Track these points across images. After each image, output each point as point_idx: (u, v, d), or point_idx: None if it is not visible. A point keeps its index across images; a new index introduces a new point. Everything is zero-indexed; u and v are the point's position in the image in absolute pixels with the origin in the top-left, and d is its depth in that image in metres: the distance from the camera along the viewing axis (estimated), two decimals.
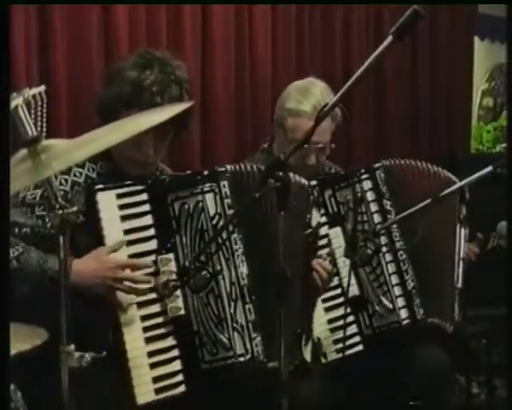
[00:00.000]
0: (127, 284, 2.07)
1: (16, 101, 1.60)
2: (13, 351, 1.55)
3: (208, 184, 2.14)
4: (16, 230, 2.15)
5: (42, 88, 1.65)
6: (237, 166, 2.22)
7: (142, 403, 2.05)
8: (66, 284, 1.68)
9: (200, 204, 2.12)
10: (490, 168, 2.50)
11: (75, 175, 2.23)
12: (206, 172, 2.16)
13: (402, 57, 4.19)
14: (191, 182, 2.15)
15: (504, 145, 4.65)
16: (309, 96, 2.71)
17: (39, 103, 1.63)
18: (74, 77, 2.88)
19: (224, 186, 2.15)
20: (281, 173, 1.71)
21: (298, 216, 2.25)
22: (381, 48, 1.69)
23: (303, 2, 3.71)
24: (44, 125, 1.63)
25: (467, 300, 2.74)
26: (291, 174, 2.11)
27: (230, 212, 2.13)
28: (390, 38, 1.68)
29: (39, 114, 1.62)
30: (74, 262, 2.07)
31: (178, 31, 3.21)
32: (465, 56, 4.62)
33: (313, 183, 2.57)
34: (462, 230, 2.69)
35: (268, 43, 3.55)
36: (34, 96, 1.62)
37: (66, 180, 2.22)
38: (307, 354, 2.29)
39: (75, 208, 1.68)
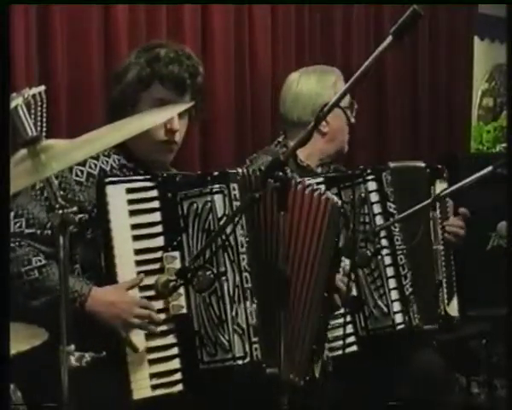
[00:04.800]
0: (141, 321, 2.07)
1: (16, 101, 1.60)
2: (12, 351, 1.55)
3: (218, 185, 2.12)
4: (39, 231, 2.15)
5: (42, 88, 1.65)
6: (248, 170, 2.22)
7: (137, 398, 2.05)
8: (67, 284, 1.68)
9: (209, 204, 2.11)
10: (490, 168, 2.50)
11: (90, 167, 2.25)
12: (216, 173, 2.15)
13: (402, 57, 4.19)
14: (201, 182, 2.14)
15: (504, 145, 4.66)
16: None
17: (39, 103, 1.62)
18: (74, 77, 2.87)
19: (234, 189, 2.13)
20: (281, 173, 1.71)
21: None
22: (381, 48, 1.69)
23: (303, 3, 3.72)
24: (44, 125, 1.63)
25: (467, 300, 2.74)
26: None
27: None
28: (390, 37, 1.68)
29: (39, 114, 1.62)
30: (93, 289, 2.09)
31: (178, 31, 3.21)
32: (465, 56, 4.62)
33: (319, 180, 2.58)
34: (437, 214, 2.67)
35: (268, 43, 3.54)
36: (34, 96, 1.62)
37: (82, 171, 2.24)
38: (317, 371, 2.27)
39: (75, 208, 1.68)
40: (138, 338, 2.07)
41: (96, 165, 2.26)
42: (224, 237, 2.08)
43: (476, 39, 4.80)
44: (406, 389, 2.60)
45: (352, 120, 2.90)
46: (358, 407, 2.59)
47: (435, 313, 2.65)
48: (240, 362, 2.09)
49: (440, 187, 2.69)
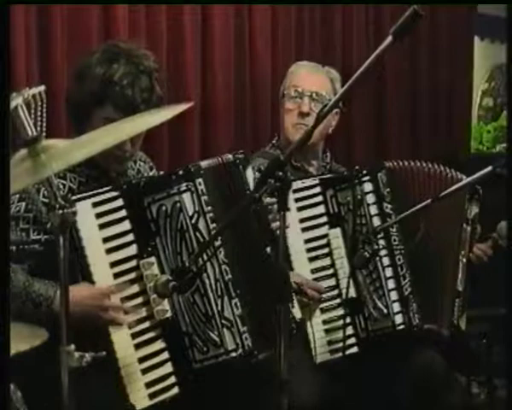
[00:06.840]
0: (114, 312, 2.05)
1: (16, 101, 1.60)
2: (12, 351, 1.55)
3: (184, 184, 2.13)
4: None
5: (42, 88, 1.65)
6: (210, 162, 2.21)
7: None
8: (66, 284, 1.68)
9: (178, 204, 2.11)
10: (490, 168, 2.49)
11: (58, 188, 2.20)
12: (180, 172, 2.15)
13: (402, 57, 4.19)
14: (167, 183, 2.13)
15: (504, 145, 4.66)
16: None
17: (39, 103, 1.62)
18: None
19: (200, 184, 2.14)
20: (281, 173, 1.71)
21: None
22: (381, 48, 1.69)
23: (303, 3, 3.72)
24: (44, 125, 1.63)
25: (467, 300, 2.73)
26: None
27: (209, 209, 2.14)
28: (390, 37, 1.68)
29: (39, 114, 1.62)
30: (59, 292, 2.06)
31: (178, 31, 3.22)
32: (465, 56, 4.62)
33: (315, 182, 2.58)
34: (469, 229, 2.68)
35: (268, 43, 3.55)
36: (34, 96, 1.62)
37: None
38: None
39: (75, 208, 1.68)
40: (126, 345, 2.06)
41: (64, 185, 2.21)
42: (198, 232, 2.10)
43: (476, 39, 4.80)
44: (406, 389, 2.60)
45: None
46: (359, 407, 2.60)
47: (449, 319, 2.65)
48: (233, 354, 2.11)
49: (474, 209, 2.69)
